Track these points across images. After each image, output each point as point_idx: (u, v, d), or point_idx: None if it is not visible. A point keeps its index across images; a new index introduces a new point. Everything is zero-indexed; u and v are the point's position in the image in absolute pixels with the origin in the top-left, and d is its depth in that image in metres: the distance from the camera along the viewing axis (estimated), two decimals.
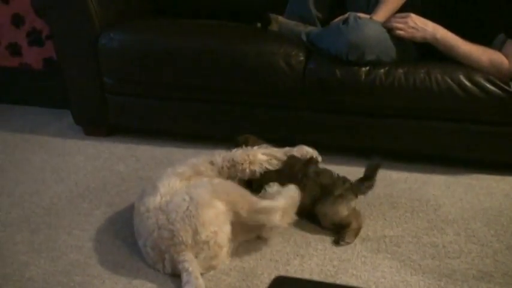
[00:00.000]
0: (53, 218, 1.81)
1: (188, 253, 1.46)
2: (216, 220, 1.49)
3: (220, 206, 1.51)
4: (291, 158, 1.79)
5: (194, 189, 1.54)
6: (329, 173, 1.76)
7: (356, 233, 1.67)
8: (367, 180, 1.70)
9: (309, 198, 1.70)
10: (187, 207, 1.48)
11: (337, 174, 1.76)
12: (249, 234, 1.64)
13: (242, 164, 1.75)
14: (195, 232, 1.46)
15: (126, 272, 1.53)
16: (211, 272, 1.51)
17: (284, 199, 1.59)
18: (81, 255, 1.61)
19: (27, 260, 1.59)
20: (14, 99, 2.91)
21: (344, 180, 1.73)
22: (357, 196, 1.71)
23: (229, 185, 1.63)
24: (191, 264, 1.44)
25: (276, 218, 1.53)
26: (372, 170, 1.70)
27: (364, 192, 1.73)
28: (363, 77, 2.00)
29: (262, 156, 1.77)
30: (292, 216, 1.60)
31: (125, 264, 1.56)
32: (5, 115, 2.76)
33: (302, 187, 1.68)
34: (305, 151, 1.84)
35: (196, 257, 1.47)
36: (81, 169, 2.15)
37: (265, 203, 1.55)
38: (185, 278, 1.43)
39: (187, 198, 1.50)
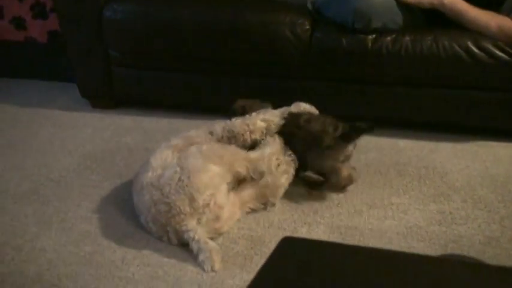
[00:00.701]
0: (62, 190, 1.83)
1: (190, 222, 1.47)
2: (211, 183, 1.50)
3: (214, 169, 1.53)
4: (289, 116, 1.76)
5: (185, 159, 1.55)
6: (321, 119, 1.71)
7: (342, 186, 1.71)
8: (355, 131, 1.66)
9: (300, 147, 1.70)
10: (180, 177, 1.49)
11: (331, 120, 1.70)
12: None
13: (243, 134, 1.74)
14: (192, 199, 1.47)
15: (136, 242, 1.55)
16: (220, 241, 1.53)
17: (269, 146, 1.67)
18: (91, 226, 1.63)
19: (38, 231, 1.62)
20: (20, 73, 2.91)
21: (335, 127, 1.67)
22: (348, 142, 1.67)
23: (219, 148, 1.64)
24: (196, 232, 1.46)
25: (273, 163, 1.62)
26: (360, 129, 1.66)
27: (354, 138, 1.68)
28: (370, 45, 1.98)
29: (261, 123, 1.75)
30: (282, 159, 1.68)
31: (134, 235, 1.58)
32: (11, 89, 2.76)
33: (292, 136, 1.70)
34: (302, 107, 1.82)
35: (199, 223, 1.48)
36: (88, 141, 2.16)
37: (256, 154, 1.65)
38: (195, 247, 1.45)
39: (178, 169, 1.51)
